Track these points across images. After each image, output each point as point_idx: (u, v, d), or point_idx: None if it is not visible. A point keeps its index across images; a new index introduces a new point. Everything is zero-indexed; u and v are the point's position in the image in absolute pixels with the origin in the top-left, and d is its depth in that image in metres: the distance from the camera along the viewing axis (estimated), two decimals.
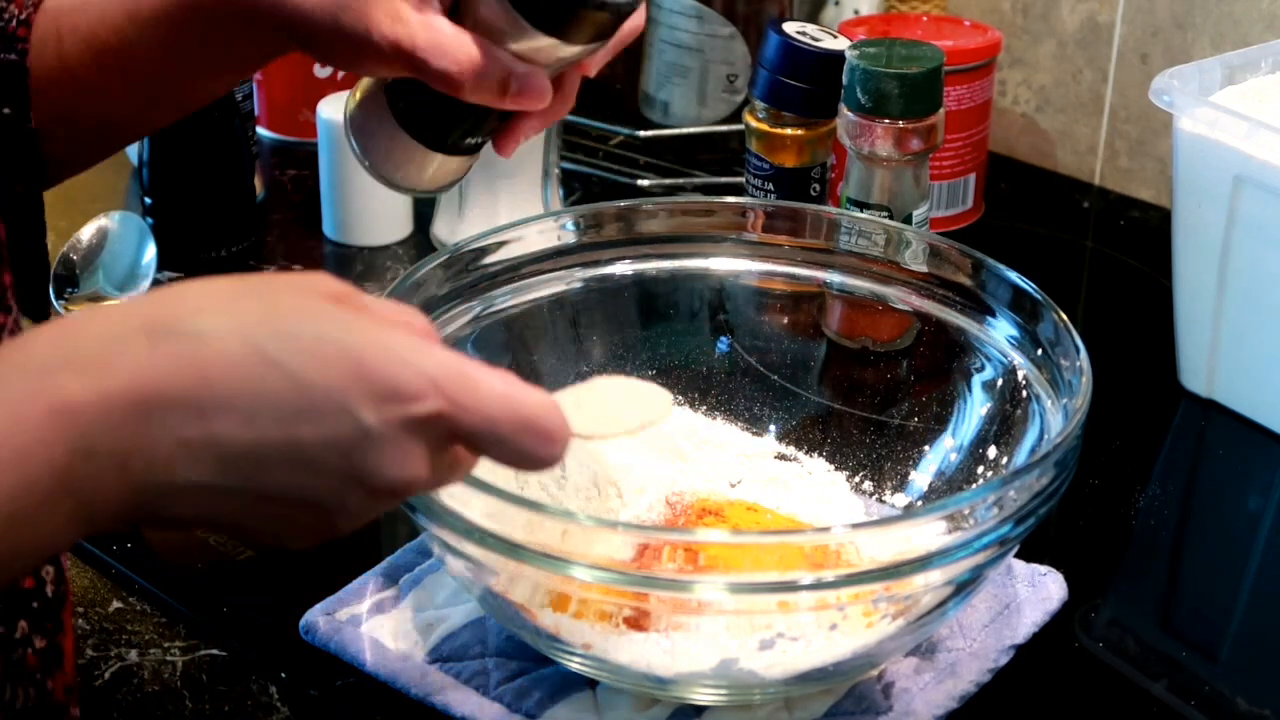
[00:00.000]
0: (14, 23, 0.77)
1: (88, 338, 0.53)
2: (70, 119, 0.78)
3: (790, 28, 1.05)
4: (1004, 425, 0.83)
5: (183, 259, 1.13)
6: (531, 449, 0.57)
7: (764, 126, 1.05)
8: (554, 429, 0.58)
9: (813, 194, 1.05)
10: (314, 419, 0.53)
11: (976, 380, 0.86)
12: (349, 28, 0.71)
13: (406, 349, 0.55)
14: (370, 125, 0.77)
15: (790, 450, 0.90)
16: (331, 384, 0.53)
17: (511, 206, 1.10)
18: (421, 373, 0.55)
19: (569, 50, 0.73)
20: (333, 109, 1.14)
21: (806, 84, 1.03)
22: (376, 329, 0.55)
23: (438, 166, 0.78)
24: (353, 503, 0.55)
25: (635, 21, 0.75)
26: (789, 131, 1.05)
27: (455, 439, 0.57)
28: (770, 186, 1.06)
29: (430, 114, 0.76)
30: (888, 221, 0.93)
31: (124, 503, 0.53)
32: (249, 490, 0.54)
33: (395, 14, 0.71)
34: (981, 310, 0.86)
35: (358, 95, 0.78)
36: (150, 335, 0.53)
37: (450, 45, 0.70)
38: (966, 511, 0.70)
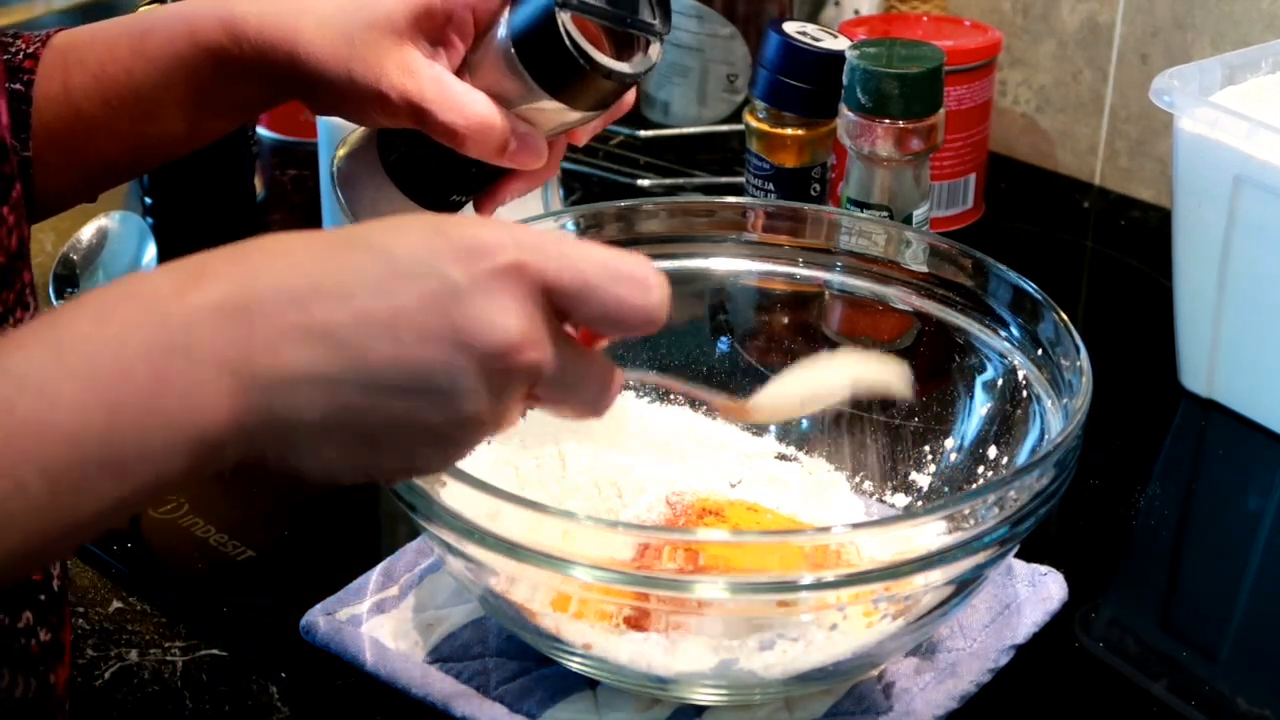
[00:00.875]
0: (20, 55, 0.77)
1: (175, 266, 0.54)
2: (71, 151, 0.78)
3: (790, 28, 1.05)
4: (1004, 425, 0.83)
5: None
6: (627, 295, 0.57)
7: (764, 126, 1.05)
8: (647, 276, 0.57)
9: (813, 194, 1.05)
10: (405, 282, 0.54)
11: (977, 380, 0.86)
12: (360, 78, 0.72)
13: (484, 220, 0.57)
14: (359, 177, 0.78)
15: (790, 450, 0.90)
16: (414, 249, 0.54)
17: (511, 206, 1.10)
18: (498, 231, 0.56)
19: (571, 115, 0.75)
20: None
21: (807, 84, 1.03)
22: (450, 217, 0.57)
23: None
24: (468, 380, 0.54)
25: (630, 96, 0.77)
26: (789, 131, 1.05)
27: (545, 292, 0.56)
28: (770, 186, 1.06)
29: (422, 168, 0.77)
30: (888, 221, 0.93)
31: (236, 412, 0.52)
32: (362, 374, 0.53)
33: (406, 66, 0.72)
34: (981, 310, 0.86)
35: (346, 147, 0.79)
36: (238, 251, 0.55)
37: (458, 99, 0.72)
38: (967, 511, 0.70)
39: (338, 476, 0.56)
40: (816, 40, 1.04)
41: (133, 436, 0.51)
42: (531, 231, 0.57)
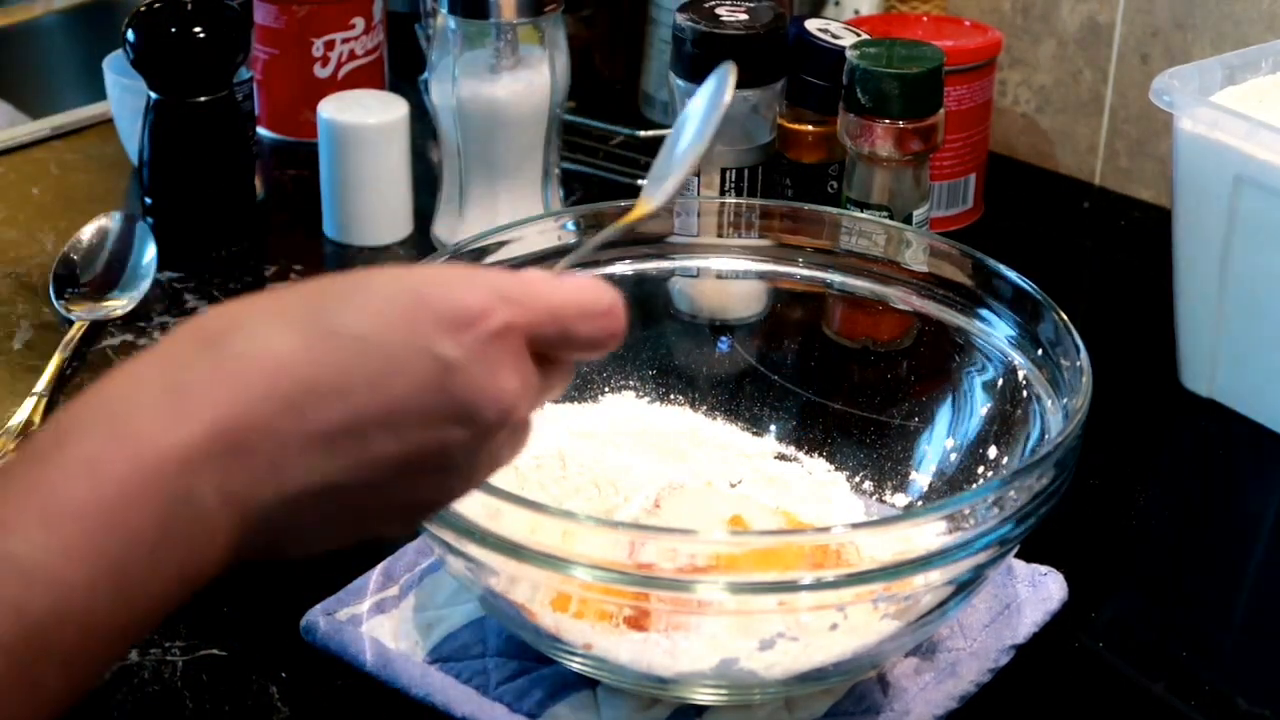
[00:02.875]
0: None
1: (149, 384, 0.51)
2: None
3: (812, 25, 1.06)
4: (1004, 425, 0.83)
5: (183, 259, 1.13)
6: (601, 330, 0.57)
7: (782, 122, 1.05)
8: (613, 304, 0.58)
9: (830, 190, 1.06)
10: (400, 369, 0.52)
11: (976, 380, 0.86)
12: None
13: (458, 275, 0.55)
14: None
15: (790, 450, 0.90)
16: (401, 332, 0.53)
17: (511, 206, 1.10)
18: (482, 290, 0.54)
19: None
20: (333, 109, 1.14)
21: (825, 81, 1.03)
22: (422, 270, 0.55)
23: None
24: (468, 447, 0.54)
25: None
26: (807, 128, 1.05)
27: (530, 342, 0.56)
28: (787, 182, 1.06)
29: None
30: (888, 221, 0.93)
31: (234, 538, 0.51)
32: (365, 471, 0.52)
33: None
34: (982, 310, 0.86)
35: None
36: (212, 361, 0.51)
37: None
38: (966, 511, 0.70)
39: (328, 548, 0.55)
40: (837, 38, 1.04)
41: (141, 594, 0.50)
42: (506, 279, 0.56)
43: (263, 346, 0.52)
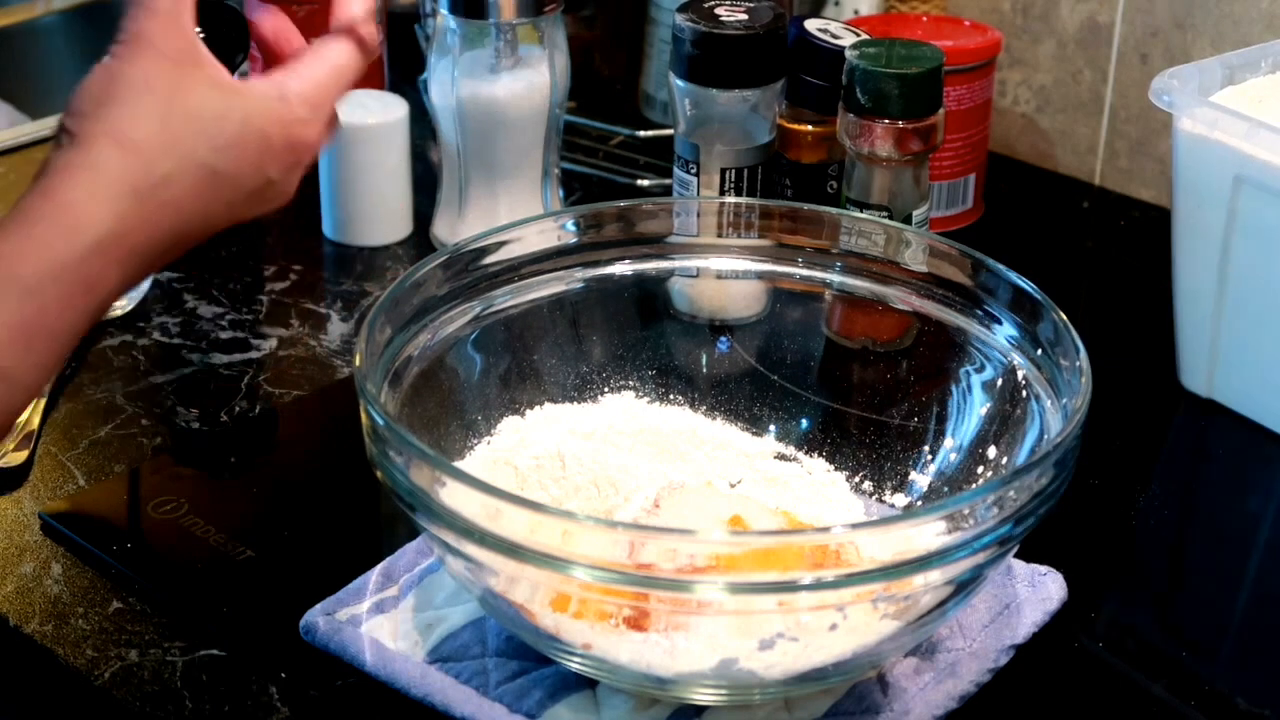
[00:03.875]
0: None
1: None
2: None
3: (812, 25, 1.06)
4: (1004, 425, 0.83)
5: (182, 258, 1.13)
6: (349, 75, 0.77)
7: (781, 122, 1.05)
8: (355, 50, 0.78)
9: (830, 190, 1.06)
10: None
11: (976, 380, 0.86)
12: None
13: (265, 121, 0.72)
14: None
15: (790, 450, 0.90)
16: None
17: (511, 206, 1.10)
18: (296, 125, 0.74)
19: None
20: None
21: (825, 81, 1.03)
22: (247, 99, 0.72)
23: None
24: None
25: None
26: (807, 128, 1.05)
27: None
28: (787, 182, 1.06)
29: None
30: (888, 222, 0.93)
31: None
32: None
33: None
34: (981, 310, 0.86)
35: None
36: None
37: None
38: (966, 511, 0.70)
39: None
40: (837, 38, 1.04)
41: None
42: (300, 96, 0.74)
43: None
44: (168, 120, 0.69)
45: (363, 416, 0.75)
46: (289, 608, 0.81)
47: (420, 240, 1.17)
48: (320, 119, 0.75)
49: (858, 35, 1.05)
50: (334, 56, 0.76)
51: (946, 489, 0.85)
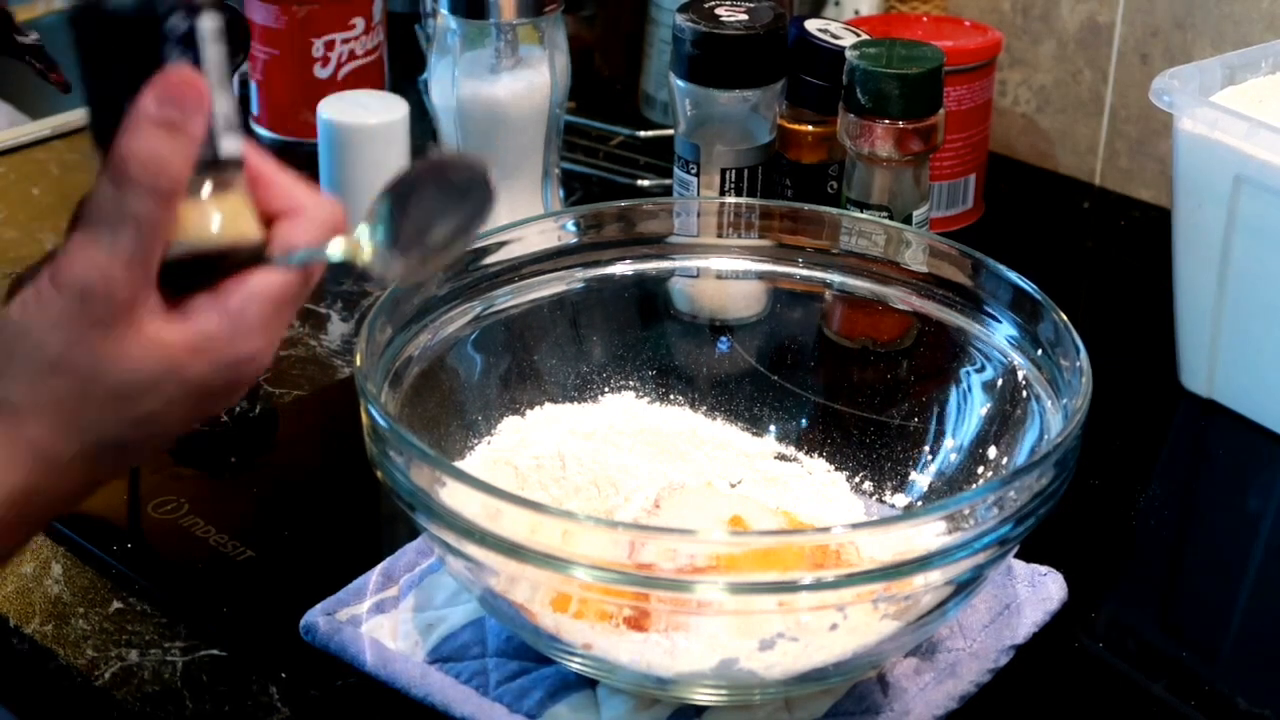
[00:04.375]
0: None
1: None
2: None
3: (812, 25, 1.06)
4: (1004, 425, 0.83)
5: None
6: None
7: (782, 122, 1.05)
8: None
9: (830, 190, 1.06)
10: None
11: (976, 380, 0.86)
12: None
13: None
14: None
15: (790, 450, 0.90)
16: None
17: (511, 206, 1.10)
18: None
19: None
20: (333, 109, 1.14)
21: (825, 81, 1.03)
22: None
23: None
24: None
25: None
26: (807, 128, 1.05)
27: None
28: (787, 182, 1.06)
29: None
30: (888, 222, 0.93)
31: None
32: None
33: None
34: (981, 310, 0.86)
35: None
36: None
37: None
38: (966, 511, 0.70)
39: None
40: (837, 38, 1.04)
41: None
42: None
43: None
44: (83, 402, 0.62)
45: (363, 416, 0.75)
46: (289, 608, 0.81)
47: None
48: (256, 339, 0.64)
49: (858, 35, 1.05)
50: (266, 287, 0.64)
51: (946, 489, 0.85)
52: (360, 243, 0.65)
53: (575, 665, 0.75)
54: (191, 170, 0.61)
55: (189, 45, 0.62)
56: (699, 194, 1.02)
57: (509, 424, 0.87)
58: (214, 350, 0.63)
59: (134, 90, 0.61)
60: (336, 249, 0.65)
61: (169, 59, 0.61)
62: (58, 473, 0.62)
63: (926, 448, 0.87)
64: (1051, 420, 0.79)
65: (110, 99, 0.61)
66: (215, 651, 0.80)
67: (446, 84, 1.09)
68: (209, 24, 0.62)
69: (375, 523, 0.91)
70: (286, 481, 0.94)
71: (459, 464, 0.82)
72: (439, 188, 0.66)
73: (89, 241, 0.60)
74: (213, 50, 0.62)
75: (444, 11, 1.07)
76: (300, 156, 1.28)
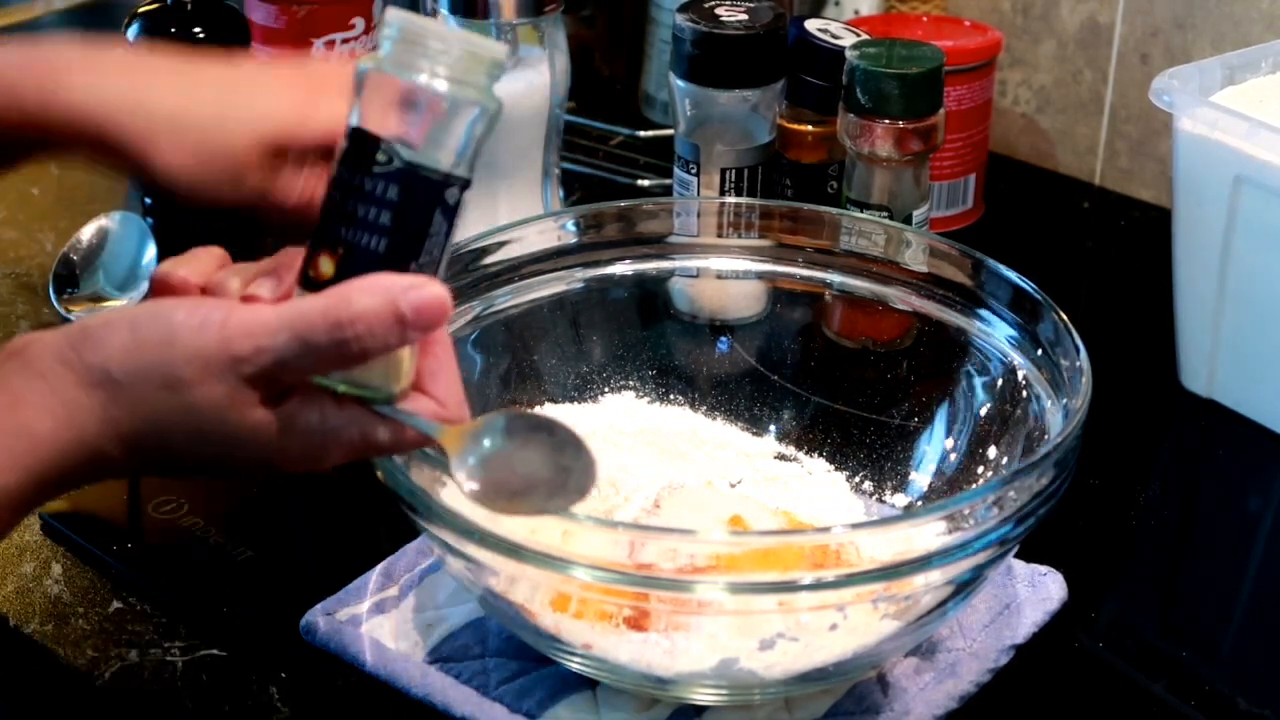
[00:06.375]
0: None
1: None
2: None
3: (812, 25, 1.06)
4: (1004, 425, 0.83)
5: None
6: (343, 336, 0.61)
7: (782, 122, 1.05)
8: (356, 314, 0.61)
9: (830, 190, 1.06)
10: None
11: (976, 380, 0.86)
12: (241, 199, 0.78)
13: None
14: None
15: (790, 450, 0.90)
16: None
17: (511, 206, 1.10)
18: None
19: None
20: None
21: (825, 81, 1.03)
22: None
23: None
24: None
25: None
26: (807, 128, 1.05)
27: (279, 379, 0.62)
28: (787, 182, 1.06)
29: None
30: (888, 222, 0.93)
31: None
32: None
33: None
34: (981, 310, 0.86)
35: None
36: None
37: None
38: (966, 511, 0.70)
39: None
40: (837, 38, 1.04)
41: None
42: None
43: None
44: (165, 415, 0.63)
45: None
46: (289, 608, 0.81)
47: None
48: (296, 457, 0.65)
49: (858, 35, 1.05)
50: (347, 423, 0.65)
51: (947, 489, 0.85)
52: (459, 439, 0.65)
53: (575, 665, 0.75)
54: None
55: (450, 216, 0.64)
56: (699, 194, 1.02)
57: None
58: (264, 432, 0.63)
59: (391, 230, 0.63)
60: (434, 428, 0.65)
61: (435, 222, 0.63)
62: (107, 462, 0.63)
63: (927, 448, 0.87)
64: (1051, 420, 0.79)
65: (360, 224, 0.64)
66: (215, 651, 0.80)
67: None
68: (463, 203, 0.65)
69: (375, 523, 0.91)
70: (286, 481, 0.94)
71: None
72: (542, 451, 0.65)
73: (290, 342, 0.61)
74: (459, 228, 0.65)
75: (444, 11, 1.07)
76: None
